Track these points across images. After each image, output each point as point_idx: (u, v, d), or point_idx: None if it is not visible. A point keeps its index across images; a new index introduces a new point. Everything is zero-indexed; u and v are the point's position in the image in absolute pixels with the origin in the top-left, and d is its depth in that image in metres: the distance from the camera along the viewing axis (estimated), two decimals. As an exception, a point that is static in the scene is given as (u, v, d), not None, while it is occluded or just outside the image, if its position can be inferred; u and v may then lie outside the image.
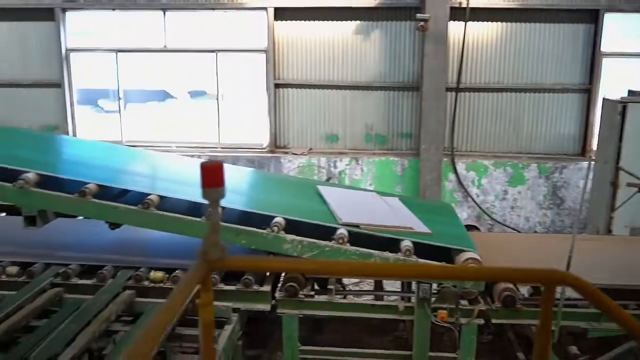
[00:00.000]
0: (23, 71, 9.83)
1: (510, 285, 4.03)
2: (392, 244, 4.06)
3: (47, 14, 9.52)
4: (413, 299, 4.09)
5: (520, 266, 1.56)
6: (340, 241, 3.92)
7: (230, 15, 9.31)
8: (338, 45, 9.16)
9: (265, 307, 4.06)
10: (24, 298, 3.75)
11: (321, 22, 9.11)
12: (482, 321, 4.02)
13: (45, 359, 3.04)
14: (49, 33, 9.60)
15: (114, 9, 9.41)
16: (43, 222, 4.13)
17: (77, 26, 9.70)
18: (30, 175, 3.97)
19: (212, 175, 1.24)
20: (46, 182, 4.04)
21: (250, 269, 3.73)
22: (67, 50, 9.65)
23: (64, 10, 9.50)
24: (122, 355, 1.01)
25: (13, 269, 4.15)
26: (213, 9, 9.22)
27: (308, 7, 9.02)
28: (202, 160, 7.22)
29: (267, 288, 4.07)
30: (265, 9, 9.05)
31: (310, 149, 9.42)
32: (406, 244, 3.99)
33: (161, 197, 4.00)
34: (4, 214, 5.52)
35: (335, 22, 9.09)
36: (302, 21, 9.14)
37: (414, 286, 4.31)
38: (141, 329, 1.08)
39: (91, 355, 3.31)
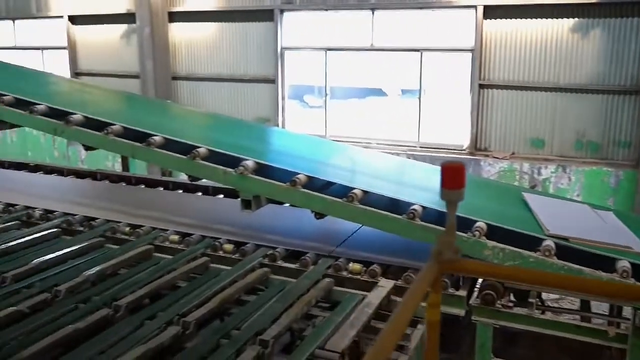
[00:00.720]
0: (243, 68, 10.82)
1: None
2: (604, 263, 3.69)
3: (267, 15, 10.36)
4: (623, 326, 3.70)
5: None
6: (547, 253, 3.67)
7: (437, 14, 9.25)
8: (551, 45, 8.61)
9: (460, 312, 3.95)
10: (237, 274, 4.12)
11: (534, 20, 8.64)
12: None
13: (254, 332, 3.31)
14: (267, 32, 10.43)
15: (326, 9, 9.90)
16: (257, 206, 4.49)
17: (291, 26, 10.41)
18: (249, 163, 4.34)
19: (453, 176, 1.23)
20: (261, 169, 4.39)
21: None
22: (282, 48, 10.40)
23: (281, 11, 10.24)
24: (366, 356, 1.04)
25: (229, 247, 4.57)
26: (421, 8, 9.24)
27: (521, 5, 8.60)
28: (402, 158, 7.30)
29: (462, 293, 3.97)
30: (474, 7, 8.84)
31: (513, 154, 8.99)
32: (623, 264, 3.60)
33: (364, 192, 4.12)
34: (221, 196, 6.11)
35: (549, 19, 8.56)
36: (513, 19, 8.75)
37: (625, 312, 3.90)
38: (381, 332, 1.10)
39: (292, 335, 3.53)
